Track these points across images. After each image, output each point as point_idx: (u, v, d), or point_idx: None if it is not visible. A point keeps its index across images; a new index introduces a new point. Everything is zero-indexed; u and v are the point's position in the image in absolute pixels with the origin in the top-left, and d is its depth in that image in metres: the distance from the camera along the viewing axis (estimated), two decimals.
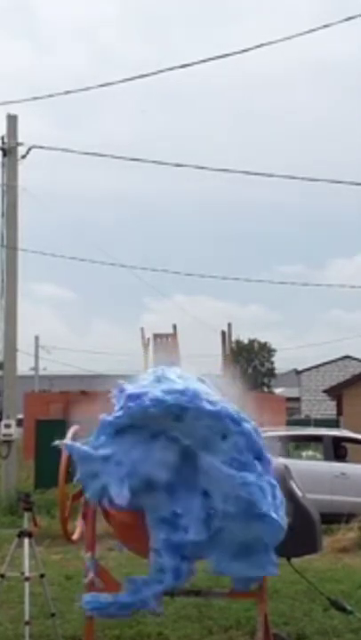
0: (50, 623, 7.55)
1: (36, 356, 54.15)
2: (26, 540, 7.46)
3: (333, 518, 13.12)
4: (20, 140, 19.39)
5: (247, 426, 5.11)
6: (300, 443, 22.33)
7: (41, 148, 19.67)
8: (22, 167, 19.50)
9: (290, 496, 5.65)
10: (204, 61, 17.08)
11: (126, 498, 5.00)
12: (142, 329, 31.19)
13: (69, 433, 5.92)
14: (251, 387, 52.80)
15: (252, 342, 66.93)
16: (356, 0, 35.45)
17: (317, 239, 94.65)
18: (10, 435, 18.13)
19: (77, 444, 5.34)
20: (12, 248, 19.18)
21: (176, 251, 78.51)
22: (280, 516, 5.02)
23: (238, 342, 59.92)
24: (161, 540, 5.10)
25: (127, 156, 20.71)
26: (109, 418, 5.21)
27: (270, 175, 20.31)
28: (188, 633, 7.67)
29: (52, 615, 7.50)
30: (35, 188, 28.18)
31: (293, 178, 20.29)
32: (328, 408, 55.70)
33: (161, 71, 17.95)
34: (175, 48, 75.04)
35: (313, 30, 16.43)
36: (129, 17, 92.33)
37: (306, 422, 42.17)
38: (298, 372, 66.38)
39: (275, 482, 5.14)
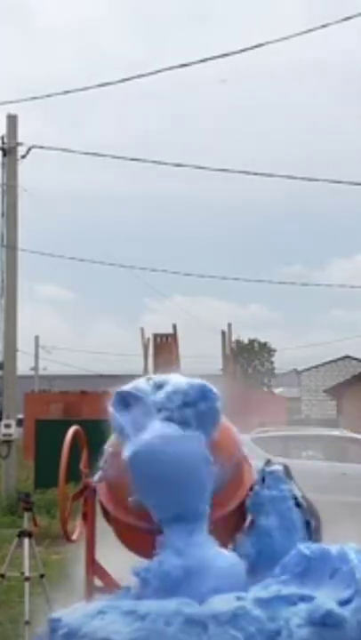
0: None
1: (36, 356, 54.18)
2: (26, 540, 7.47)
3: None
4: (19, 140, 19.42)
5: None
6: (301, 443, 22.33)
7: (41, 147, 19.70)
8: (22, 167, 19.54)
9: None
10: (202, 61, 17.08)
11: None
12: (142, 329, 31.30)
13: (69, 433, 5.92)
14: (251, 387, 52.75)
15: (252, 342, 66.84)
16: (355, 0, 35.46)
17: (317, 239, 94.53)
18: (10, 435, 18.12)
19: None
20: (12, 248, 19.18)
21: (176, 250, 78.52)
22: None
23: (238, 342, 59.85)
24: None
25: (127, 156, 20.75)
26: None
27: (270, 175, 20.34)
28: None
29: None
30: (35, 188, 28.20)
31: (293, 178, 20.31)
32: (328, 408, 55.71)
33: (159, 71, 17.99)
34: (173, 48, 74.98)
35: (311, 30, 16.46)
36: (128, 17, 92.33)
37: (307, 423, 42.15)
38: (298, 372, 66.35)
39: None
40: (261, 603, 4.45)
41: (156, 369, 27.34)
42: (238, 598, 4.48)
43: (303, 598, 4.46)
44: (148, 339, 29.93)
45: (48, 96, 19.35)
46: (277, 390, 61.95)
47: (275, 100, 78.48)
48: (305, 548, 4.73)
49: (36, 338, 53.54)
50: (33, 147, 19.38)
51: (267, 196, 77.85)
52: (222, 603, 4.45)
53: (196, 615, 4.44)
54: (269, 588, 4.55)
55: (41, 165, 34.41)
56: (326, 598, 4.40)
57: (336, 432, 18.55)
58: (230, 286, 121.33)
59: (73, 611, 4.93)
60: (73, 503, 5.88)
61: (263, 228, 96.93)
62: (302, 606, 4.41)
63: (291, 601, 4.46)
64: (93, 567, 5.77)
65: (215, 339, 38.07)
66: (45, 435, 18.10)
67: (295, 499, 5.10)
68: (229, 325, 40.70)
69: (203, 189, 73.43)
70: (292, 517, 4.98)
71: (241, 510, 5.26)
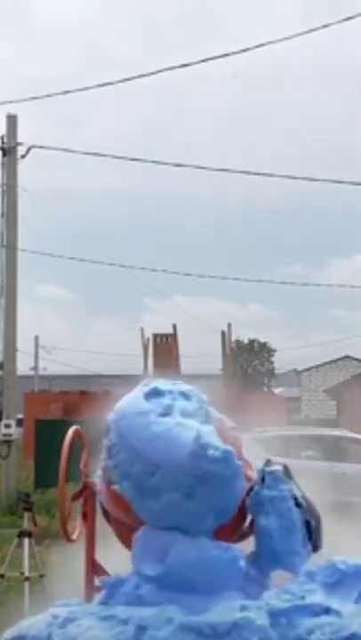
0: None
1: (36, 356, 54.21)
2: (26, 540, 7.48)
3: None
4: (19, 139, 19.43)
5: None
6: (301, 443, 22.35)
7: (41, 147, 19.72)
8: (22, 167, 19.56)
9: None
10: (203, 61, 17.14)
11: None
12: (142, 329, 31.22)
13: (69, 433, 5.91)
14: (251, 387, 52.76)
15: (252, 342, 66.84)
16: (355, 0, 35.54)
17: (317, 239, 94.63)
18: (10, 435, 18.13)
19: None
20: (12, 248, 19.19)
21: (176, 251, 78.56)
22: None
23: (238, 342, 59.83)
24: None
25: (127, 156, 20.79)
26: None
27: (270, 175, 20.36)
28: None
29: None
30: (35, 188, 28.22)
31: (293, 178, 20.34)
32: (328, 408, 55.72)
33: (160, 71, 18.02)
34: (174, 48, 75.01)
35: (312, 30, 16.51)
36: (128, 17, 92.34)
37: (307, 423, 42.17)
38: (298, 372, 66.36)
39: None
40: (281, 610, 4.29)
41: (156, 369, 27.34)
42: (243, 608, 4.33)
43: (328, 611, 4.30)
44: (148, 339, 29.88)
45: (48, 96, 19.43)
46: (277, 390, 61.91)
47: (275, 100, 78.59)
48: (341, 562, 4.61)
49: (36, 338, 53.63)
50: (33, 146, 19.43)
51: (267, 196, 77.96)
52: (223, 612, 4.29)
53: (192, 622, 4.27)
54: (290, 594, 4.40)
55: (41, 165, 34.37)
56: (354, 617, 4.24)
57: (336, 432, 18.55)
58: (230, 286, 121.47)
59: (31, 624, 4.63)
60: (73, 503, 5.88)
61: (263, 228, 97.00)
62: (326, 619, 4.24)
63: (313, 611, 4.31)
64: (93, 567, 5.77)
65: (215, 339, 38.00)
66: (45, 435, 18.10)
67: (295, 499, 5.07)
68: (229, 325, 40.63)
69: (203, 189, 73.54)
70: (293, 517, 4.94)
71: (241, 510, 5.26)
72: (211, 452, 4.48)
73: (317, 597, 4.34)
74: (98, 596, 4.87)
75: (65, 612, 4.53)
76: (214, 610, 4.21)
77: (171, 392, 4.86)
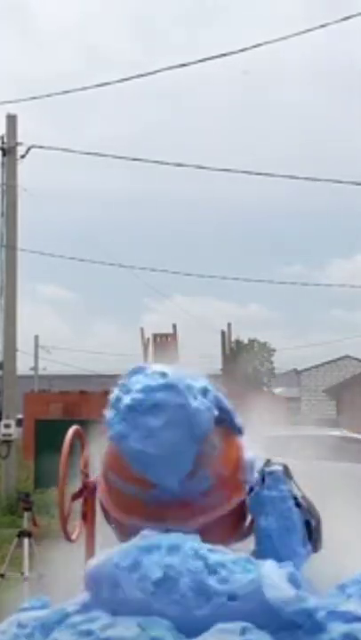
0: None
1: (36, 356, 54.22)
2: (25, 540, 7.48)
3: None
4: (19, 139, 19.44)
5: None
6: (301, 443, 22.30)
7: (40, 147, 19.73)
8: (22, 167, 19.57)
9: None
10: (201, 61, 17.14)
11: None
12: (142, 329, 31.18)
13: (69, 433, 5.90)
14: (251, 387, 52.73)
15: (252, 342, 66.78)
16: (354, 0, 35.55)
17: (317, 239, 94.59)
18: (10, 435, 18.14)
19: None
20: (12, 248, 19.19)
21: (176, 250, 78.53)
22: None
23: (238, 342, 59.83)
24: None
25: (128, 156, 20.80)
26: None
27: (270, 175, 20.37)
28: None
29: None
30: (35, 188, 28.20)
31: (294, 178, 20.34)
32: (328, 408, 55.73)
33: (158, 71, 18.03)
34: (173, 48, 75.00)
35: (310, 30, 16.51)
36: (128, 17, 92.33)
37: (307, 422, 42.14)
38: (298, 372, 66.35)
39: None
40: (308, 614, 4.17)
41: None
42: (243, 630, 3.92)
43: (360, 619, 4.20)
44: (148, 339, 29.87)
45: (48, 96, 19.46)
46: (277, 390, 61.86)
47: (275, 100, 78.50)
48: None
49: (36, 338, 53.62)
50: (32, 146, 19.44)
51: (267, 196, 77.87)
52: (220, 635, 3.87)
53: None
54: (325, 600, 4.30)
55: (41, 165, 34.36)
56: None
57: (336, 432, 18.54)
58: (230, 286, 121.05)
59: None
60: (73, 503, 5.88)
61: (263, 228, 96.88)
62: (359, 626, 4.13)
63: (346, 618, 4.21)
64: None
65: (215, 339, 38.10)
66: (45, 435, 18.09)
67: (295, 499, 5.07)
68: (229, 325, 40.75)
69: (204, 189, 73.41)
70: (293, 518, 4.93)
71: (241, 510, 5.26)
72: (290, 611, 4.06)
73: (351, 605, 4.26)
74: (80, 596, 4.74)
75: (33, 621, 4.21)
76: (211, 631, 3.88)
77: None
